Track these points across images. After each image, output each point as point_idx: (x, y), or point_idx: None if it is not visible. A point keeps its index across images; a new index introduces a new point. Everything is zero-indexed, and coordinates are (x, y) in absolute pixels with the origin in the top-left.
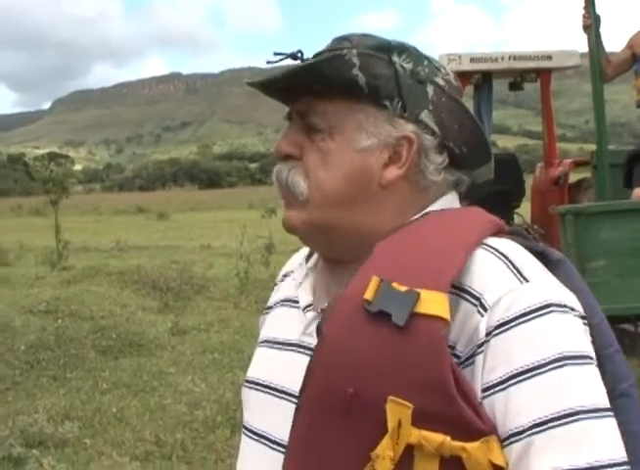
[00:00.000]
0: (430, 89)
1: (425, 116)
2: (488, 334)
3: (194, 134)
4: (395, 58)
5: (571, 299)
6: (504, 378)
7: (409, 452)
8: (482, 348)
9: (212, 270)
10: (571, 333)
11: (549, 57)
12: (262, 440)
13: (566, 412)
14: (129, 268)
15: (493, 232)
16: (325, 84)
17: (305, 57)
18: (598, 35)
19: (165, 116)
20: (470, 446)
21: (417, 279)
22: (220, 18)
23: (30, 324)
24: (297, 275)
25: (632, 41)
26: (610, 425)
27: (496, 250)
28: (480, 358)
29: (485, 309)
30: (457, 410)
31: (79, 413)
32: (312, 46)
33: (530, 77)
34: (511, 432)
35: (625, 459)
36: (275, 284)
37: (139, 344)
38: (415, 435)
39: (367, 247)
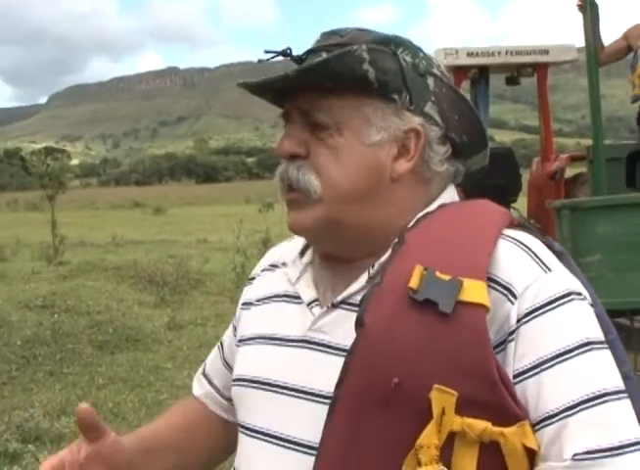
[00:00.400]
0: (430, 81)
1: (429, 107)
2: (518, 321)
3: (190, 129)
4: (397, 51)
5: (582, 287)
6: (535, 364)
7: (450, 440)
8: (513, 335)
9: (209, 265)
10: (590, 319)
11: (546, 51)
12: (269, 438)
13: (595, 394)
14: (126, 263)
15: (507, 223)
16: (336, 81)
17: (295, 54)
18: (596, 22)
19: (162, 110)
20: (507, 431)
21: (456, 268)
22: (217, 12)
23: (27, 319)
24: (290, 271)
25: (628, 33)
26: (629, 405)
27: (517, 240)
28: (511, 345)
29: (515, 297)
30: (499, 396)
31: (75, 408)
32: (309, 41)
33: (527, 72)
34: (544, 416)
35: None
36: (252, 278)
37: (135, 338)
38: (458, 422)
39: (376, 243)
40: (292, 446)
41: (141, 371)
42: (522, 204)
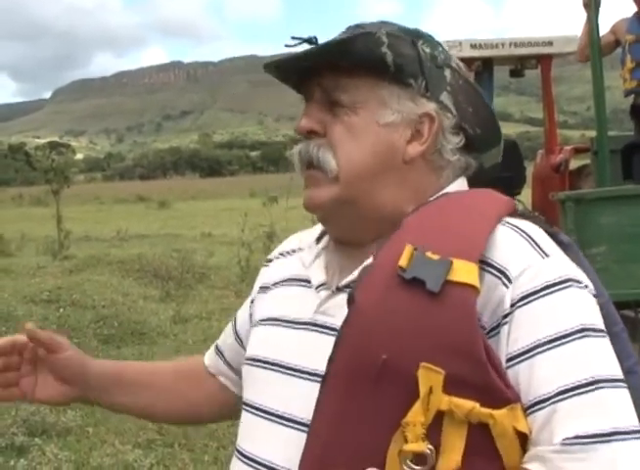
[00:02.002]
0: (447, 73)
1: (444, 97)
2: (513, 305)
3: (194, 123)
4: (417, 41)
5: (584, 277)
6: (528, 348)
7: (438, 419)
8: (507, 319)
9: (214, 259)
10: (588, 307)
11: (550, 43)
12: (270, 416)
13: (588, 381)
14: (130, 257)
15: (509, 212)
16: (354, 61)
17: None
18: (596, 15)
19: (166, 104)
20: (497, 413)
21: (448, 249)
22: (221, 6)
23: (32, 313)
24: (305, 256)
25: (616, 27)
26: (626, 395)
27: (516, 227)
28: (504, 329)
29: (510, 281)
30: (486, 377)
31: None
32: (313, 34)
33: (531, 64)
34: (535, 400)
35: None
36: (269, 260)
37: (141, 332)
38: (446, 401)
39: (385, 226)
40: (292, 424)
41: None
42: (526, 196)
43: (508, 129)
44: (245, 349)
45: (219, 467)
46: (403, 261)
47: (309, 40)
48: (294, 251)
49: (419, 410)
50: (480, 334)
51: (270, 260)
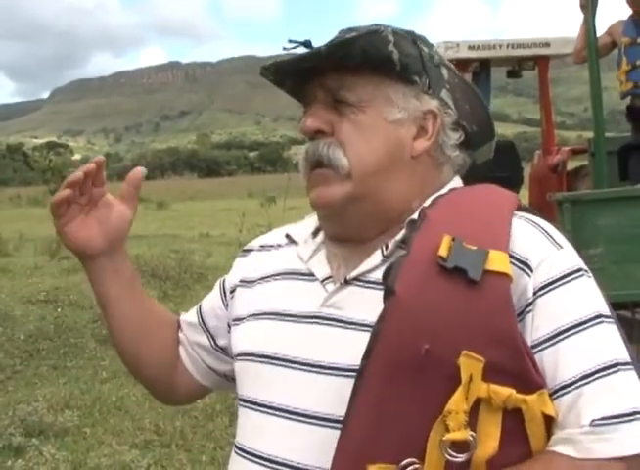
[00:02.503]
0: (444, 71)
1: (444, 94)
2: (535, 293)
3: (193, 123)
4: (416, 41)
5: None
6: (552, 334)
7: (475, 407)
8: (531, 307)
9: (211, 259)
10: (599, 295)
11: (547, 44)
12: (280, 412)
13: (609, 364)
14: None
15: (517, 205)
16: (362, 59)
17: (314, 45)
18: (593, 16)
19: (164, 105)
20: (529, 398)
21: (481, 240)
22: (219, 6)
23: (30, 313)
24: (302, 250)
25: (612, 29)
26: (636, 377)
27: (530, 219)
28: (529, 317)
29: (532, 271)
30: (522, 364)
31: (79, 402)
32: (311, 35)
33: (528, 65)
34: (561, 384)
35: None
36: (248, 250)
37: None
38: (484, 389)
39: (391, 220)
40: (306, 419)
41: None
42: (523, 197)
43: (505, 130)
44: (211, 336)
45: (217, 467)
46: (443, 251)
47: (305, 43)
48: (280, 245)
49: (461, 398)
50: (516, 322)
51: (249, 251)
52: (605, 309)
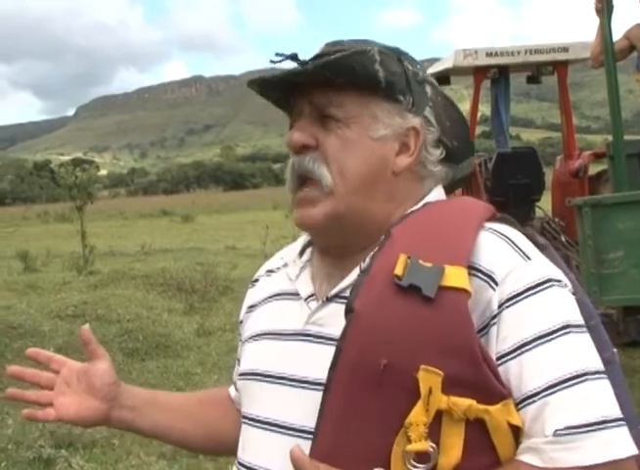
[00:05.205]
0: (427, 88)
1: (427, 112)
2: (500, 306)
3: (217, 137)
4: (401, 58)
5: (562, 276)
6: (517, 346)
7: (437, 418)
8: (495, 319)
9: (237, 271)
10: (569, 305)
11: (565, 49)
12: (269, 426)
13: (575, 374)
14: (154, 271)
15: (489, 217)
16: (350, 78)
17: (302, 58)
18: (609, 21)
19: (188, 119)
20: (492, 408)
21: (438, 256)
22: (240, 20)
23: (58, 328)
24: (290, 270)
25: (630, 33)
26: (608, 385)
27: (497, 231)
28: (493, 329)
29: (497, 284)
30: (482, 375)
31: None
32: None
33: (547, 70)
34: (526, 394)
35: (622, 415)
36: (255, 280)
37: (165, 345)
38: (445, 400)
39: (372, 236)
40: (292, 432)
41: (171, 377)
42: (546, 202)
43: (530, 136)
44: None
45: None
46: (399, 270)
47: (292, 56)
48: (278, 268)
49: (421, 411)
50: (474, 335)
51: (257, 281)
52: (575, 319)
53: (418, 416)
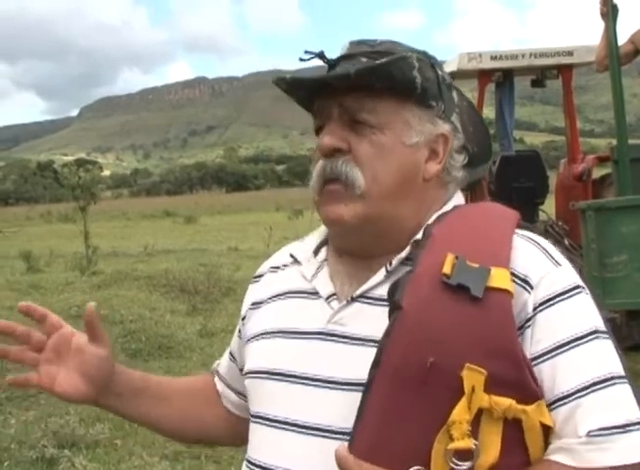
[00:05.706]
0: (454, 94)
1: (454, 118)
2: (534, 309)
3: (220, 138)
4: (434, 64)
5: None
6: (550, 348)
7: (476, 417)
8: (530, 322)
9: (240, 273)
10: (595, 311)
11: (570, 53)
12: (290, 427)
13: (604, 377)
14: (157, 272)
15: (518, 223)
16: (388, 83)
17: (329, 57)
18: (614, 25)
19: (191, 120)
20: (529, 408)
21: (483, 258)
22: (243, 21)
23: None
24: (305, 269)
25: (635, 37)
26: (630, 390)
27: (529, 237)
28: (528, 332)
29: (532, 288)
30: (522, 376)
31: (110, 415)
32: (335, 46)
33: (552, 74)
34: (558, 396)
35: None
36: (259, 275)
37: (168, 346)
38: (486, 399)
39: (396, 240)
40: (315, 432)
41: None
42: (550, 205)
43: (534, 139)
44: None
45: None
46: (447, 269)
47: (319, 55)
48: (285, 265)
49: (464, 409)
50: (517, 336)
51: (260, 276)
52: (601, 325)
53: (461, 414)
